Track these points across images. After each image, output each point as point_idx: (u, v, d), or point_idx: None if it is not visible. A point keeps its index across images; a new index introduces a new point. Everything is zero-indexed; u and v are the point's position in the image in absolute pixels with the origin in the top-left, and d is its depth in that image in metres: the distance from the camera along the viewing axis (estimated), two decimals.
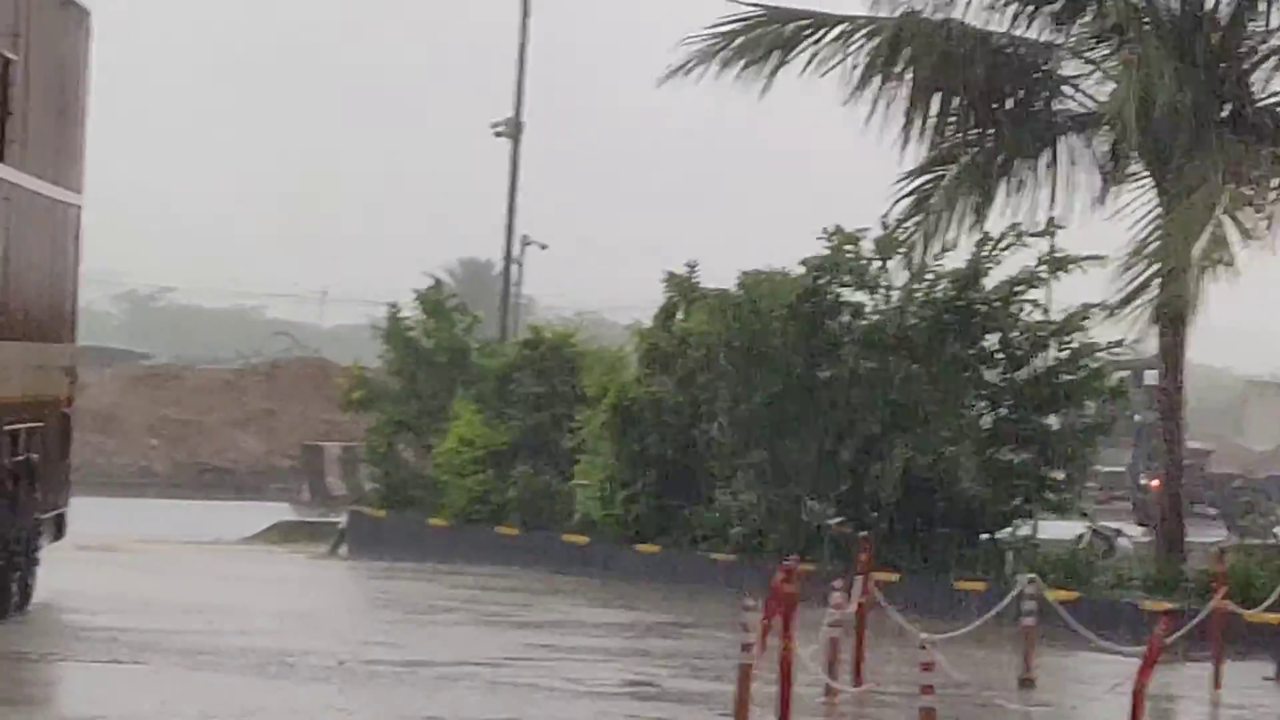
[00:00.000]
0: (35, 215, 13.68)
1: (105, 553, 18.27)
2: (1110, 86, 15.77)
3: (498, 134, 26.57)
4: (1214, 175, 14.20)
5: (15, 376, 12.97)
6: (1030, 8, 16.12)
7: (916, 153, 15.53)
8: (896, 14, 15.76)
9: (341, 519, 23.43)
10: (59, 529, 14.79)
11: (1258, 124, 15.76)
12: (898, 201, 15.75)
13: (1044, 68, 16.99)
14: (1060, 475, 17.09)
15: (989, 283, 16.70)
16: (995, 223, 16.20)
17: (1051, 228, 16.41)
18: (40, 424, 13.74)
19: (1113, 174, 16.07)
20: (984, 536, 16.68)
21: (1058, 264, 17.06)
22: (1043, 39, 16.59)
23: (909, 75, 15.57)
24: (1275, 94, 16.33)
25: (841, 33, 15.73)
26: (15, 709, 9.55)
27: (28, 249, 13.47)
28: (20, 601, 13.44)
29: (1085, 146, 16.50)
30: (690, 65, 15.02)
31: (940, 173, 15.84)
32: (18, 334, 12.96)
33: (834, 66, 15.46)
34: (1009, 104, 16.62)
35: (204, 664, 11.50)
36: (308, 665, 11.45)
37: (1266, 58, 16.25)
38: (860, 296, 17.31)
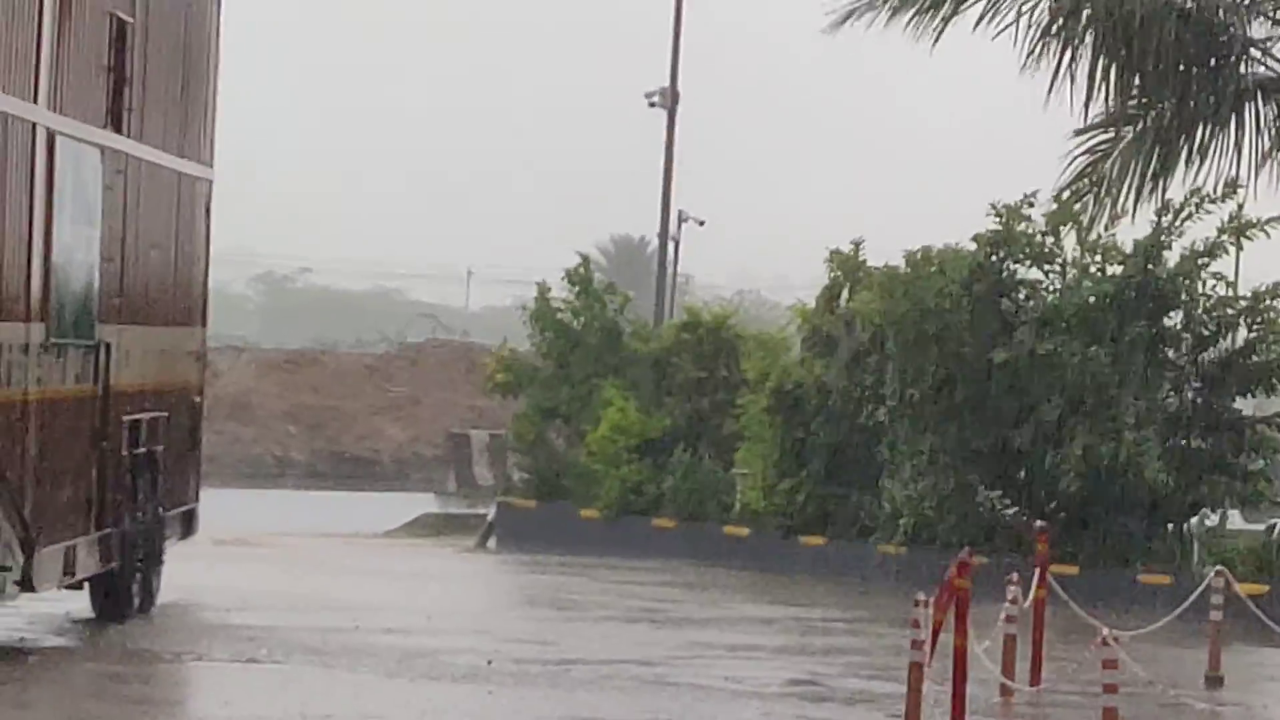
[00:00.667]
0: (158, 189, 13.05)
1: (241, 547, 18.03)
2: None
3: (652, 104, 26.16)
4: None
5: (136, 364, 12.52)
6: None
7: (1095, 113, 14.71)
8: None
9: (489, 510, 22.71)
10: (188, 526, 14.15)
11: None
12: (1070, 164, 14.68)
13: (1232, 30, 16.27)
14: (1251, 463, 16.63)
15: (1170, 256, 16.33)
16: (1174, 193, 15.16)
17: (1232, 189, 15.68)
18: (166, 413, 13.18)
19: None
20: (1169, 527, 16.45)
21: (1241, 229, 16.42)
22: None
23: (1089, 37, 14.81)
24: None
25: None
26: (145, 709, 9.65)
27: (150, 226, 12.82)
28: (142, 604, 12.79)
29: (1275, 115, 15.52)
30: (853, 13, 14.77)
31: (1115, 135, 14.85)
32: (139, 318, 12.52)
33: (1010, 25, 14.61)
34: (1194, 68, 15.81)
35: (346, 664, 11.38)
36: (455, 665, 11.36)
37: None
38: (1035, 273, 17.03)
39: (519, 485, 22.09)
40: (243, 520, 19.40)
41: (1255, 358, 16.49)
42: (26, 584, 10.20)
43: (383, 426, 33.12)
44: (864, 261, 17.94)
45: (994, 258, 16.77)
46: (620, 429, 19.89)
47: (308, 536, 20.90)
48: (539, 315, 20.97)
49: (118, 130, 11.73)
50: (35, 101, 9.96)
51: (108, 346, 11.62)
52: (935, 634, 8.45)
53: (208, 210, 14.07)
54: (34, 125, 9.90)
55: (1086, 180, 15.14)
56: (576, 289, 20.90)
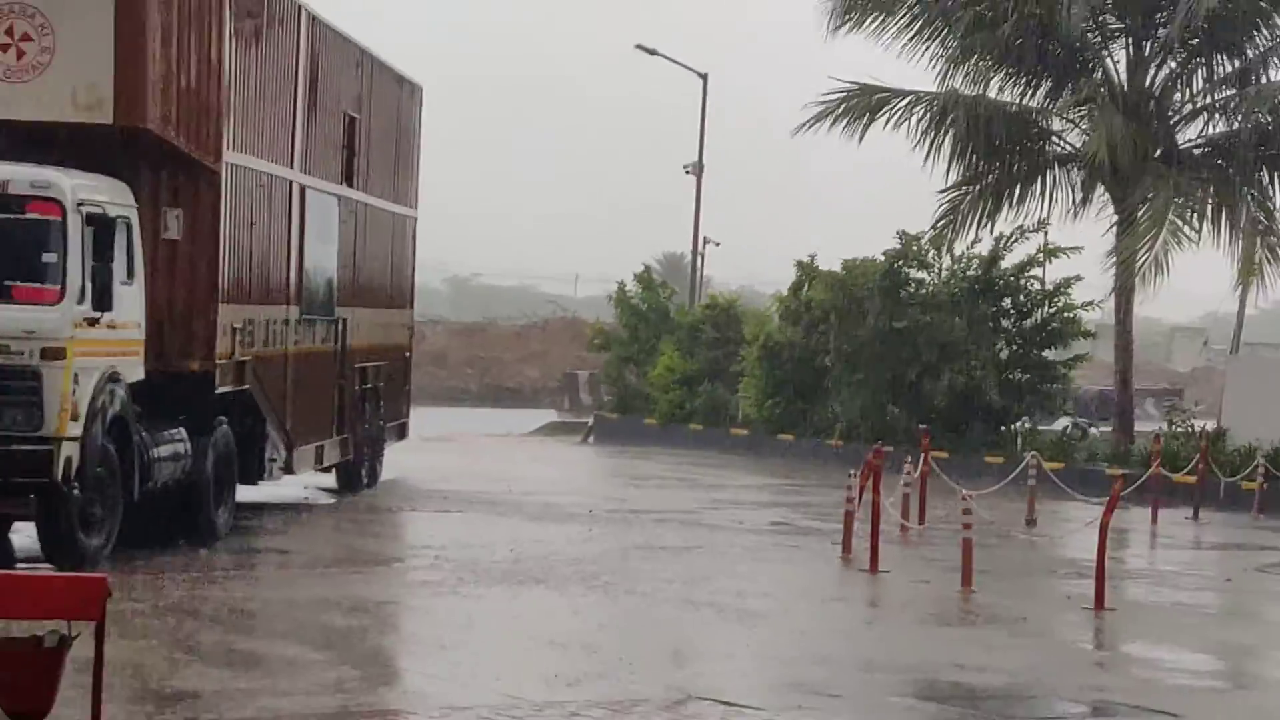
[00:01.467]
0: (378, 222, 15.70)
1: (438, 443, 21.46)
2: (1084, 138, 19.80)
3: (687, 172, 32.37)
4: (1157, 195, 18.30)
5: (365, 332, 14.96)
6: (1030, 87, 20.37)
7: (955, 176, 20.05)
8: (944, 90, 20.14)
9: (589, 420, 29.68)
10: (402, 432, 17.14)
11: (1181, 160, 19.72)
12: (940, 207, 20.29)
13: (1039, 124, 21.18)
14: (1051, 390, 21.75)
15: (1007, 265, 21.18)
16: (1007, 226, 20.77)
17: (1044, 226, 21.04)
18: (385, 363, 15.87)
19: (1084, 195, 20.42)
20: (1003, 428, 20.78)
21: (1050, 253, 21.79)
22: (1039, 106, 20.71)
23: (951, 130, 19.77)
24: (1189, 140, 20.41)
25: (909, 103, 19.96)
26: (377, 539, 12.62)
27: (373, 245, 15.51)
28: (369, 481, 15.40)
29: (1065, 177, 20.73)
30: (811, 122, 19.81)
31: (967, 190, 20.16)
32: (367, 303, 15.12)
33: (903, 124, 19.98)
34: (1017, 147, 20.73)
35: (503, 512, 14.04)
36: (568, 512, 14.12)
37: (1186, 117, 20.38)
38: (921, 274, 21.70)
39: (608, 404, 29.58)
40: (439, 426, 23.45)
41: (1052, 326, 21.46)
42: (289, 469, 12.80)
43: (524, 369, 44.55)
44: (817, 267, 22.63)
45: (897, 264, 21.35)
46: (669, 369, 26.16)
47: (479, 436, 25.89)
48: (619, 301, 28.37)
49: (350, 185, 14.35)
50: (291, 167, 12.62)
51: (343, 321, 14.04)
52: (860, 494, 11.38)
53: (414, 235, 17.22)
54: (290, 182, 12.54)
55: (950, 217, 20.02)
56: (642, 285, 28.53)
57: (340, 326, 14.16)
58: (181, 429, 10.61)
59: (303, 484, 14.49)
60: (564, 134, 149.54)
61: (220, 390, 11.08)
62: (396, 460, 16.71)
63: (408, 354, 17.42)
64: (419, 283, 18.60)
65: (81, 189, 9.23)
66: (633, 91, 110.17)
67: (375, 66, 15.44)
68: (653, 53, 32.09)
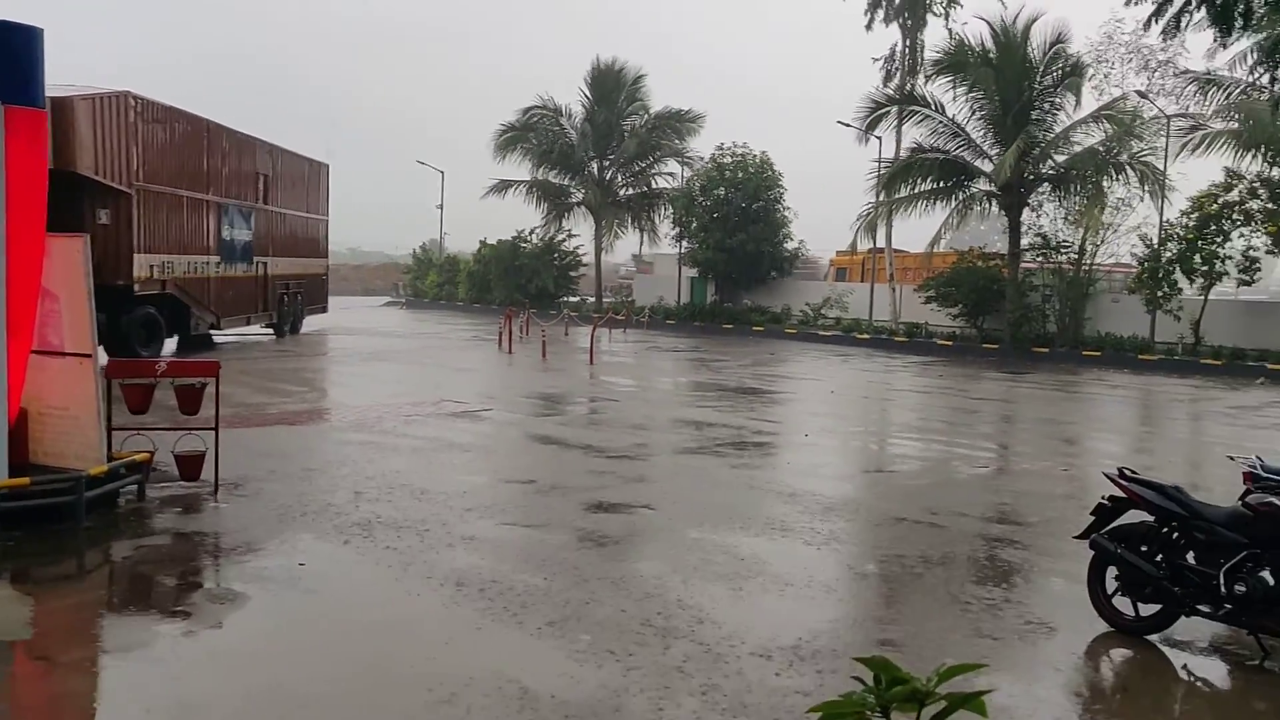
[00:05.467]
0: (294, 221, 31.63)
1: (342, 310, 37.28)
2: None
3: (437, 207, 64.21)
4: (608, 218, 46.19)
5: (283, 268, 30.90)
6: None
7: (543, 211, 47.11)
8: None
9: (404, 300, 55.83)
10: (324, 309, 35.00)
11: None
12: (545, 220, 47.53)
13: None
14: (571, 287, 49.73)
15: (548, 241, 49.69)
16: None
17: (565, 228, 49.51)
18: (305, 281, 32.63)
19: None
20: (558, 300, 47.49)
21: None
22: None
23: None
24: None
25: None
26: (294, 354, 26.80)
27: (291, 230, 31.56)
28: (292, 332, 31.43)
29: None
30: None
31: (551, 214, 47.20)
32: (285, 254, 31.05)
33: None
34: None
35: (360, 334, 32.01)
36: (392, 331, 41.13)
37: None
38: (526, 246, 48.30)
39: (407, 295, 55.16)
40: (344, 304, 44.30)
41: (565, 262, 49.96)
42: (217, 327, 27.05)
43: (377, 282, 67.65)
44: (488, 242, 49.94)
45: (517, 241, 48.14)
46: (433, 282, 55.49)
47: (360, 307, 48.14)
48: (416, 258, 63.39)
49: (265, 203, 29.25)
50: (207, 193, 25.74)
51: (265, 264, 29.25)
52: (506, 324, 36.07)
53: (325, 227, 35.20)
54: (206, 200, 25.59)
55: (545, 223, 48.64)
56: (422, 250, 54.56)
57: (263, 267, 29.28)
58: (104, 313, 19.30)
59: (254, 331, 31.18)
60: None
61: (142, 294, 22.63)
62: (322, 319, 35.30)
63: (324, 277, 35.66)
64: (339, 248, 44.08)
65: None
66: None
67: (280, 151, 30.55)
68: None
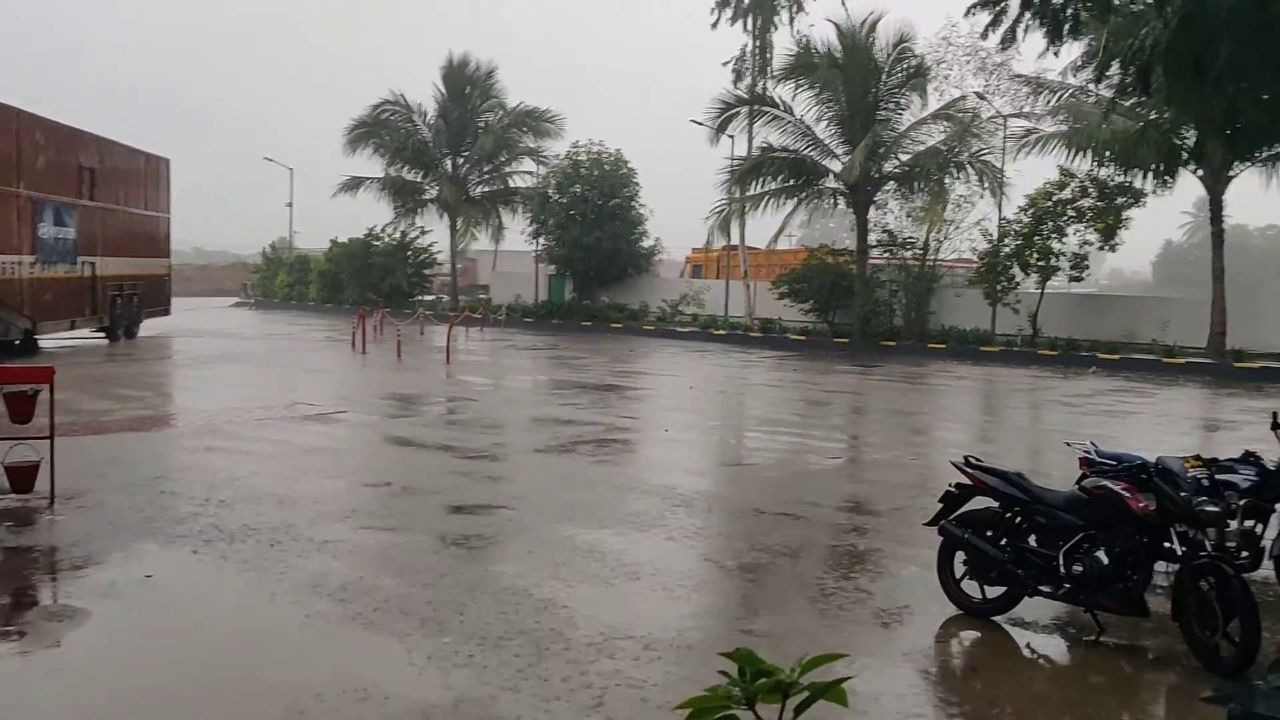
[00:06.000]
0: (128, 218, 29.97)
1: (187, 311, 36.12)
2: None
3: (288, 204, 57.84)
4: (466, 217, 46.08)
5: (115, 268, 28.95)
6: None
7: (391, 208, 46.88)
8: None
9: (253, 300, 53.39)
10: (166, 312, 33.30)
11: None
12: (393, 217, 47.33)
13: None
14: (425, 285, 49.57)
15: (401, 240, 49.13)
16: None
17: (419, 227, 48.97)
18: (142, 282, 30.77)
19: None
20: (410, 299, 47.71)
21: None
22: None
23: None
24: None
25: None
26: (131, 359, 26.09)
27: (124, 227, 29.63)
28: (126, 336, 29.90)
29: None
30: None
31: (399, 210, 46.85)
32: (117, 254, 29.16)
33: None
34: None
35: (204, 335, 34.20)
36: (236, 332, 40.13)
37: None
38: (377, 244, 47.98)
39: (257, 295, 53.65)
40: (189, 305, 41.38)
41: (420, 259, 49.82)
42: (34, 331, 25.14)
43: (226, 282, 64.54)
44: (339, 240, 49.22)
45: (369, 239, 47.94)
46: (283, 281, 54.00)
47: (207, 309, 45.80)
48: (266, 257, 63.03)
49: (91, 199, 27.31)
50: (18, 187, 23.82)
51: (93, 264, 27.48)
52: (359, 324, 38.41)
53: (167, 224, 33.39)
54: (18, 194, 23.82)
55: (395, 220, 48.10)
56: (272, 249, 52.62)
57: (91, 267, 27.57)
58: None
59: (85, 336, 29.55)
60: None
61: None
62: (164, 322, 33.98)
63: (165, 278, 33.87)
64: (183, 247, 43.08)
65: None
66: None
67: (111, 144, 29.18)
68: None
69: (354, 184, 46.93)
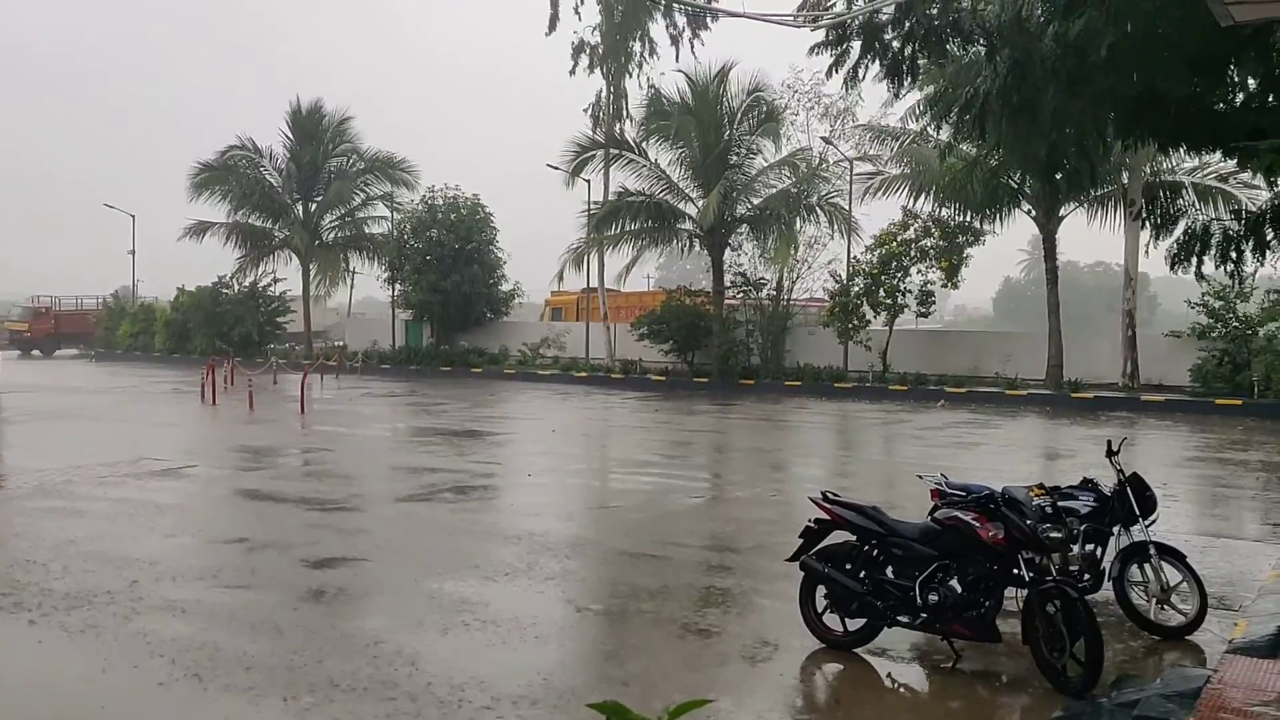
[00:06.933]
0: None
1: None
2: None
3: (130, 252, 55.84)
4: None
5: None
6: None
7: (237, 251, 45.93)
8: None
9: (93, 353, 50.69)
10: None
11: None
12: (236, 264, 46.24)
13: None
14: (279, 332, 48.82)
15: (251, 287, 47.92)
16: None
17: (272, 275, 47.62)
18: None
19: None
20: (265, 349, 46.96)
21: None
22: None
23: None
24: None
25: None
26: None
27: None
28: None
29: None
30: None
31: (245, 258, 46.09)
32: None
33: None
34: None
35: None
36: (82, 387, 38.55)
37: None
38: (228, 291, 46.91)
39: (99, 346, 49.93)
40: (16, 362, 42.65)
41: (272, 307, 48.74)
42: None
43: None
44: (185, 288, 48.00)
45: (219, 286, 46.64)
46: (127, 331, 51.95)
47: (40, 363, 44.58)
48: (110, 309, 53.47)
49: None
50: None
51: None
52: (208, 375, 37.80)
53: None
54: None
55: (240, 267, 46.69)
56: (114, 299, 49.49)
57: None
58: None
59: None
60: None
61: None
62: None
63: None
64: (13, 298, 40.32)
65: None
66: None
67: None
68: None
69: (200, 229, 45.65)
